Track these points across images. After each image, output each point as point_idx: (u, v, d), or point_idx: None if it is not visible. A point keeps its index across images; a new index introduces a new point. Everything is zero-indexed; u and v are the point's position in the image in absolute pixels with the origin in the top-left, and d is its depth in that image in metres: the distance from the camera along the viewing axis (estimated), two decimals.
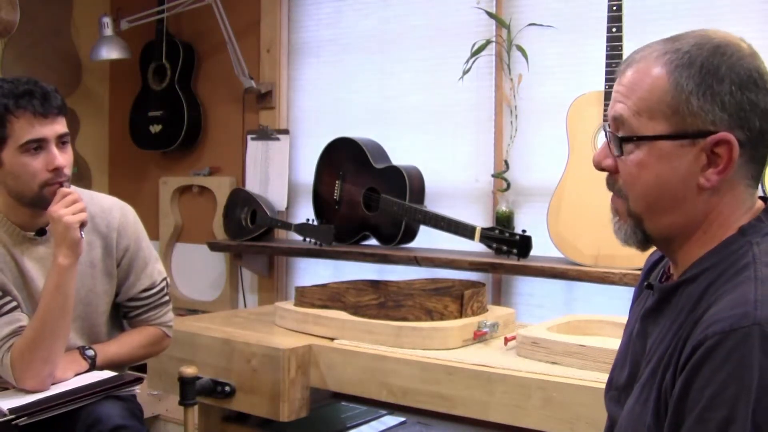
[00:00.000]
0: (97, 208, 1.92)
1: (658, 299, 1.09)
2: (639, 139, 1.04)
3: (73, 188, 1.82)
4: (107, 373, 1.87)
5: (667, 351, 1.01)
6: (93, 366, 1.89)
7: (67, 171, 1.80)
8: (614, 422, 1.16)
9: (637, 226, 1.09)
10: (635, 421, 1.04)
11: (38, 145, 1.76)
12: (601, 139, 2.44)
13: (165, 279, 2.06)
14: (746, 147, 1.01)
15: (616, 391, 1.16)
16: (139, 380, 1.87)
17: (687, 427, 0.93)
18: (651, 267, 1.24)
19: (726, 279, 0.99)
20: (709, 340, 0.92)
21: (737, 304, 0.94)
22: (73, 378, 1.83)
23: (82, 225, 1.77)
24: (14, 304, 1.80)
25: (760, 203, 1.07)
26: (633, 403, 1.07)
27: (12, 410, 1.67)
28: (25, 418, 1.67)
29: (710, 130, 1.00)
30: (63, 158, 1.79)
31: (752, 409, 0.88)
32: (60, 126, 1.79)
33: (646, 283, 1.17)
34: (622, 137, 1.06)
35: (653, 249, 1.17)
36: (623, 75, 1.07)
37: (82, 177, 3.85)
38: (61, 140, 1.79)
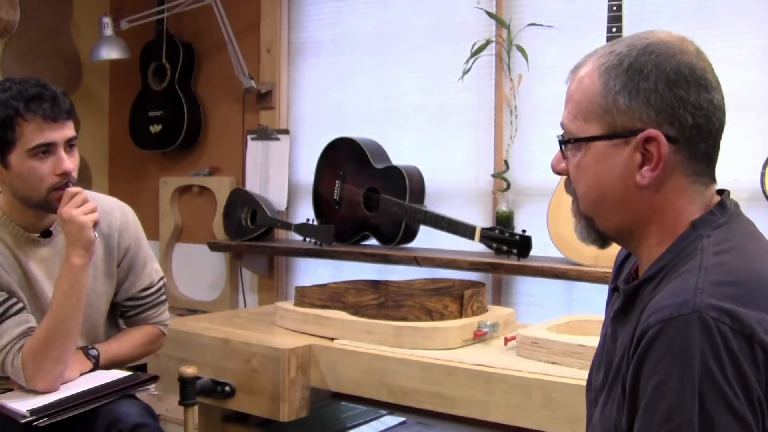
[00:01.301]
0: (98, 209, 1.92)
1: (623, 300, 1.10)
2: (576, 141, 1.08)
3: (79, 189, 1.82)
4: (118, 373, 1.88)
5: (626, 349, 1.02)
6: (97, 365, 1.89)
7: (74, 174, 1.81)
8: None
9: (589, 226, 1.12)
10: (607, 420, 1.05)
11: (47, 150, 1.75)
12: None
13: (162, 278, 2.07)
14: (681, 143, 1.01)
15: (594, 393, 1.17)
16: (154, 378, 1.88)
17: (638, 417, 0.94)
18: (619, 266, 1.24)
19: (675, 271, 1.00)
20: (651, 329, 0.93)
21: (678, 292, 0.94)
22: (79, 378, 1.84)
23: (95, 225, 1.77)
24: (21, 305, 1.81)
25: (716, 197, 1.07)
26: (602, 403, 1.08)
27: (32, 411, 1.67)
28: (45, 419, 1.67)
29: (639, 128, 1.02)
30: (70, 162, 1.79)
31: (698, 395, 0.88)
32: (68, 130, 1.79)
33: (613, 286, 1.17)
34: (561, 141, 1.10)
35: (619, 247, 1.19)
36: (569, 82, 1.11)
37: (82, 177, 3.81)
38: (69, 144, 1.79)
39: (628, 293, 1.09)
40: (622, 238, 1.11)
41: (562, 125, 1.10)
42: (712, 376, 0.88)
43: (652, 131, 1.01)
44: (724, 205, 1.05)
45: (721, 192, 1.08)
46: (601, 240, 1.12)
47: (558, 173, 1.14)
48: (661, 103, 1.00)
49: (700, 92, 1.01)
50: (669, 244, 1.04)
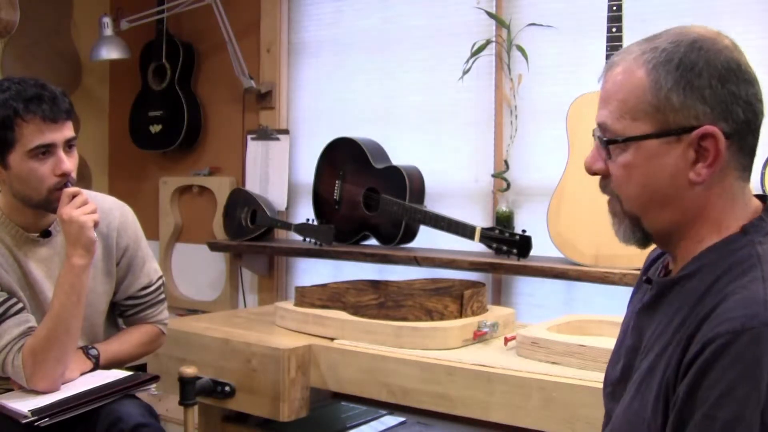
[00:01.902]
0: (98, 209, 1.92)
1: (655, 294, 1.10)
2: (625, 141, 1.05)
3: (78, 189, 1.82)
4: (118, 373, 1.88)
5: (668, 346, 1.01)
6: (97, 365, 1.89)
7: (74, 175, 1.81)
8: (610, 418, 1.15)
9: (635, 226, 1.09)
10: (633, 416, 1.04)
11: (46, 150, 1.75)
12: None
13: (161, 277, 2.07)
14: (733, 138, 1.01)
15: (611, 386, 1.16)
16: (155, 378, 1.88)
17: (694, 423, 0.93)
18: (650, 263, 1.24)
19: (732, 278, 0.99)
20: (719, 338, 0.93)
21: (747, 304, 0.94)
22: (79, 377, 1.84)
23: (95, 225, 1.77)
24: (21, 305, 1.81)
25: (757, 202, 1.07)
26: (630, 398, 1.06)
27: (34, 411, 1.67)
28: (47, 419, 1.67)
29: (694, 125, 1.01)
30: (70, 162, 1.79)
31: (761, 410, 0.88)
32: (68, 130, 1.79)
33: (644, 278, 1.17)
34: (608, 140, 1.07)
35: (654, 246, 1.17)
36: (604, 80, 1.09)
37: (82, 177, 3.84)
38: (68, 144, 1.79)
39: (662, 286, 1.08)
40: (666, 237, 1.09)
41: (603, 125, 1.07)
42: None
43: (709, 128, 1.00)
44: None
45: (762, 198, 1.09)
46: (645, 240, 1.11)
47: (594, 173, 1.12)
48: (716, 100, 1.00)
49: (747, 87, 1.02)
50: (710, 243, 1.04)
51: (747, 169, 1.05)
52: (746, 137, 1.02)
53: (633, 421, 1.04)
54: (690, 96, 1.00)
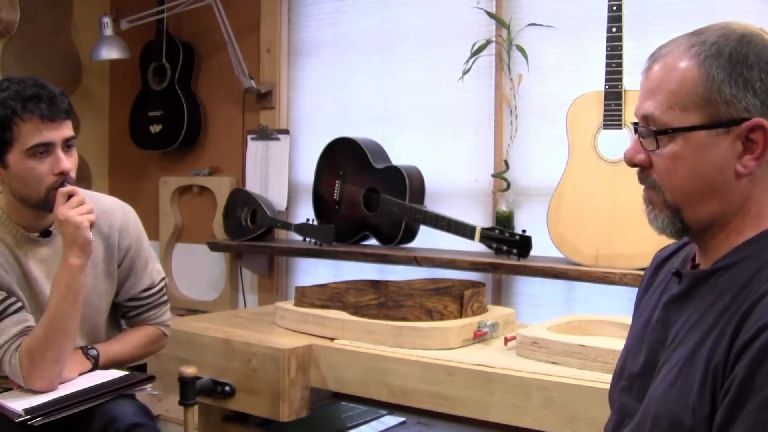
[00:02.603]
0: (99, 209, 1.92)
1: (687, 286, 1.10)
2: (674, 131, 1.06)
3: (74, 188, 1.82)
4: (115, 373, 1.88)
5: (710, 333, 1.01)
6: (96, 365, 1.89)
7: (73, 174, 1.81)
8: (624, 413, 1.15)
9: (675, 216, 1.10)
10: (673, 404, 1.03)
11: (45, 149, 1.75)
12: (602, 138, 2.44)
13: (164, 279, 2.06)
14: None
15: (628, 380, 1.16)
16: (151, 378, 1.88)
17: (750, 409, 0.93)
18: (659, 263, 1.24)
19: None
20: None
21: None
22: (78, 377, 1.83)
23: (91, 225, 1.77)
24: (20, 304, 1.81)
25: None
26: (666, 386, 1.06)
27: (27, 410, 1.67)
28: (40, 418, 1.67)
29: (744, 117, 1.02)
30: (69, 162, 1.79)
31: None
32: (66, 130, 1.79)
33: (673, 271, 1.16)
34: (657, 131, 1.07)
35: (662, 246, 1.18)
36: (650, 71, 1.09)
37: (82, 177, 3.84)
38: (66, 144, 1.79)
39: (697, 278, 1.09)
40: (704, 229, 1.09)
41: (650, 116, 1.07)
42: None
43: (760, 120, 1.01)
44: None
45: None
46: (684, 231, 1.11)
47: (634, 165, 1.12)
48: (766, 92, 1.02)
49: None
50: (750, 235, 1.05)
51: None
52: None
53: (673, 408, 1.03)
54: (741, 88, 1.02)
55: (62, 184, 1.78)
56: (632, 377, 1.15)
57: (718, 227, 1.08)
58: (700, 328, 1.04)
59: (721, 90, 1.02)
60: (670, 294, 1.13)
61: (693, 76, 1.04)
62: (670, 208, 1.10)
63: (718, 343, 1.00)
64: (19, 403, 1.70)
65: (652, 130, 1.07)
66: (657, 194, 1.10)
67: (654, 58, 1.10)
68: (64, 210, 1.74)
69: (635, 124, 1.12)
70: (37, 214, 1.85)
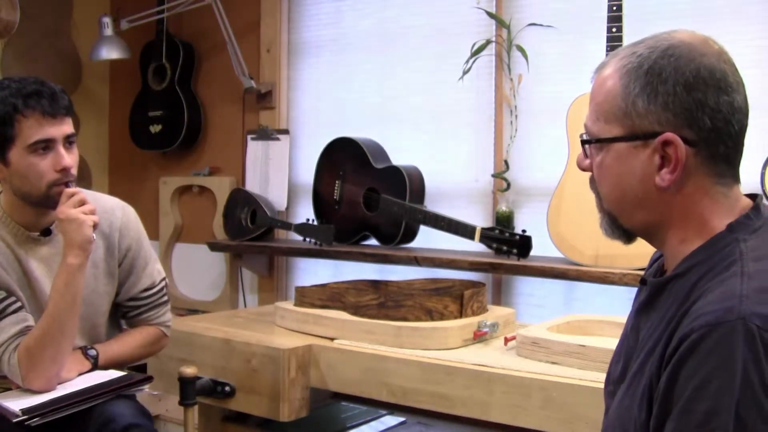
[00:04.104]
0: (99, 209, 1.92)
1: (649, 293, 1.11)
2: (597, 142, 1.10)
3: (77, 189, 1.82)
4: (114, 373, 1.87)
5: (656, 344, 1.02)
6: (95, 365, 1.89)
7: (74, 171, 1.81)
8: None
9: (613, 222, 1.14)
10: (624, 413, 1.05)
11: (46, 146, 1.76)
12: None
13: (164, 279, 2.06)
14: (699, 146, 1.02)
15: (612, 385, 1.18)
16: (149, 379, 1.88)
17: (673, 417, 0.94)
18: (652, 264, 1.26)
19: (714, 274, 1.00)
20: (694, 333, 0.94)
21: (723, 298, 0.95)
22: (77, 378, 1.83)
23: (94, 226, 1.77)
24: (19, 304, 1.81)
25: (747, 200, 1.08)
26: (621, 395, 1.08)
27: (24, 410, 1.67)
28: (37, 418, 1.67)
29: (657, 131, 1.03)
30: (70, 158, 1.79)
31: (736, 402, 0.89)
32: (67, 126, 1.79)
33: (640, 279, 1.18)
34: (584, 140, 1.12)
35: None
36: (592, 81, 1.12)
37: (82, 177, 3.84)
38: (68, 140, 1.80)
39: (655, 286, 1.10)
40: (646, 236, 1.13)
41: (585, 126, 1.12)
42: (751, 385, 0.89)
43: (669, 135, 1.02)
44: (758, 210, 1.06)
45: (752, 196, 1.09)
46: (626, 236, 1.14)
47: (583, 170, 1.16)
48: (680, 107, 1.01)
49: (719, 95, 1.02)
50: (698, 244, 1.05)
51: (725, 175, 1.05)
52: (716, 145, 1.02)
53: (623, 418, 1.05)
54: (654, 102, 1.02)
55: (67, 185, 1.78)
56: (614, 383, 1.17)
57: (661, 235, 1.09)
58: (654, 337, 1.05)
59: (635, 103, 1.04)
60: (639, 301, 1.15)
61: (614, 88, 1.06)
62: (608, 215, 1.14)
63: (657, 355, 1.01)
64: (16, 403, 1.70)
65: (581, 140, 1.12)
66: (598, 200, 1.15)
67: (597, 68, 1.12)
68: (65, 208, 1.75)
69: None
70: (38, 212, 1.85)
